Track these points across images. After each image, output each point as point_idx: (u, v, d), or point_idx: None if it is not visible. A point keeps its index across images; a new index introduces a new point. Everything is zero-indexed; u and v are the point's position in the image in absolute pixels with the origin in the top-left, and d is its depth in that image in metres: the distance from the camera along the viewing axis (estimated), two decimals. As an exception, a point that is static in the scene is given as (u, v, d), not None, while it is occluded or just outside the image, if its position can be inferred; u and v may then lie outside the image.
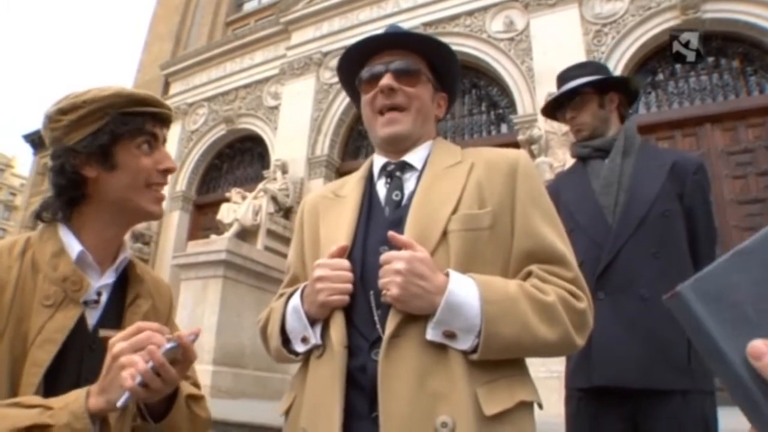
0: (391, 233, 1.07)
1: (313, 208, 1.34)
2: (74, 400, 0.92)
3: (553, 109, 2.19)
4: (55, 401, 0.92)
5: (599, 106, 2.06)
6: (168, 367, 0.94)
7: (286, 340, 1.20)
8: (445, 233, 1.11)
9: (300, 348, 1.17)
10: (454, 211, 1.12)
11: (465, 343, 1.02)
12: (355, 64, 1.33)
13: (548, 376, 4.83)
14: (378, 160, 1.32)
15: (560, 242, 1.14)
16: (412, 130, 1.25)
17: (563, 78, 2.15)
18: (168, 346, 0.95)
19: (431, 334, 1.02)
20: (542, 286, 1.08)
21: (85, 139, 1.11)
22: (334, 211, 1.27)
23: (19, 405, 0.92)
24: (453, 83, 1.37)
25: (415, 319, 1.04)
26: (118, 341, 0.95)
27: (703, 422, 1.70)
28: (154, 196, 1.20)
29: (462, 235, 1.10)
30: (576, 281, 1.11)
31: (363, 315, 1.11)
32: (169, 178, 1.26)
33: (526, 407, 1.07)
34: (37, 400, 0.93)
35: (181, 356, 0.98)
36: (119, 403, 0.92)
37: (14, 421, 0.87)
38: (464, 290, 1.03)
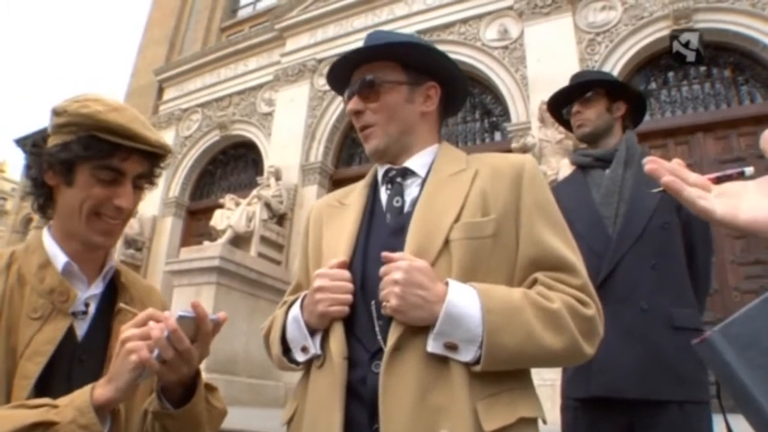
0: (384, 254, 1.05)
1: (317, 217, 1.33)
2: (79, 395, 0.91)
3: (561, 103, 2.17)
4: (61, 399, 0.92)
5: (606, 109, 2.06)
6: (182, 335, 0.94)
7: (287, 349, 1.19)
8: (447, 242, 1.08)
9: (300, 357, 1.15)
10: (457, 220, 1.10)
11: (467, 355, 1.00)
12: (343, 80, 1.30)
13: (541, 383, 4.80)
14: (381, 167, 1.30)
15: (567, 249, 1.11)
16: (388, 140, 1.23)
17: (577, 76, 2.17)
18: (182, 313, 0.95)
19: (432, 345, 1.00)
20: (547, 293, 1.05)
21: (56, 147, 1.10)
22: (337, 220, 1.26)
23: (24, 406, 0.91)
24: (439, 68, 1.28)
25: (416, 331, 1.02)
26: (128, 327, 0.95)
27: (698, 431, 1.70)
28: (103, 227, 1.14)
29: (464, 243, 1.08)
30: (584, 288, 1.08)
31: (364, 326, 1.09)
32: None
33: (527, 423, 1.04)
34: (44, 400, 0.92)
35: (196, 333, 0.98)
36: (139, 379, 0.93)
37: (19, 420, 0.86)
38: (464, 300, 1.00)
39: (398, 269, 1.01)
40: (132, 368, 0.91)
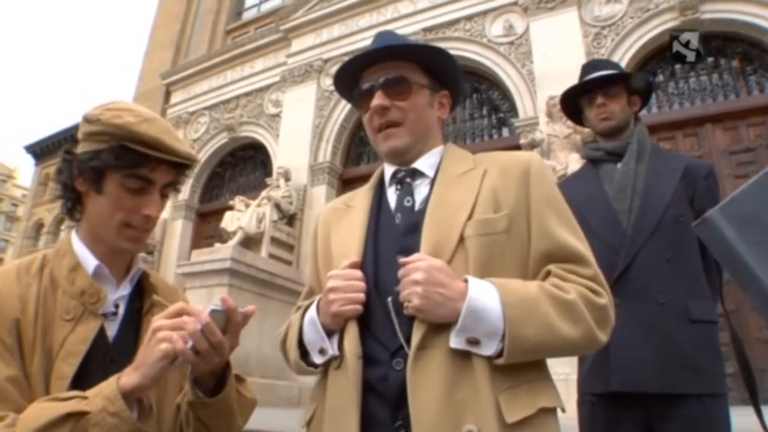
0: (401, 260, 1.07)
1: (325, 222, 1.35)
2: (106, 386, 0.95)
3: (578, 93, 2.14)
4: (90, 391, 0.96)
5: (627, 103, 2.06)
6: (214, 327, 0.99)
7: (304, 353, 1.21)
8: (461, 239, 1.11)
9: (318, 359, 1.17)
10: (470, 217, 1.12)
11: (489, 349, 1.02)
12: (350, 79, 1.33)
13: (554, 378, 4.81)
14: (388, 169, 1.32)
15: (577, 241, 1.14)
16: (411, 142, 1.25)
17: (592, 66, 2.14)
18: (213, 306, 1.00)
19: (455, 341, 1.02)
20: (562, 284, 1.08)
21: (87, 154, 1.13)
22: (344, 222, 1.28)
23: (56, 398, 0.96)
24: (453, 79, 1.34)
25: (438, 329, 1.04)
26: (159, 317, 1.00)
27: (716, 424, 1.71)
28: (132, 235, 1.17)
29: (478, 240, 1.10)
30: (595, 278, 1.11)
31: (381, 324, 1.11)
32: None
33: (547, 413, 1.07)
34: (74, 392, 0.97)
35: (226, 325, 1.02)
36: (174, 366, 0.97)
37: (53, 411, 0.91)
38: (484, 295, 1.03)
39: (418, 270, 1.03)
40: (161, 356, 0.95)
